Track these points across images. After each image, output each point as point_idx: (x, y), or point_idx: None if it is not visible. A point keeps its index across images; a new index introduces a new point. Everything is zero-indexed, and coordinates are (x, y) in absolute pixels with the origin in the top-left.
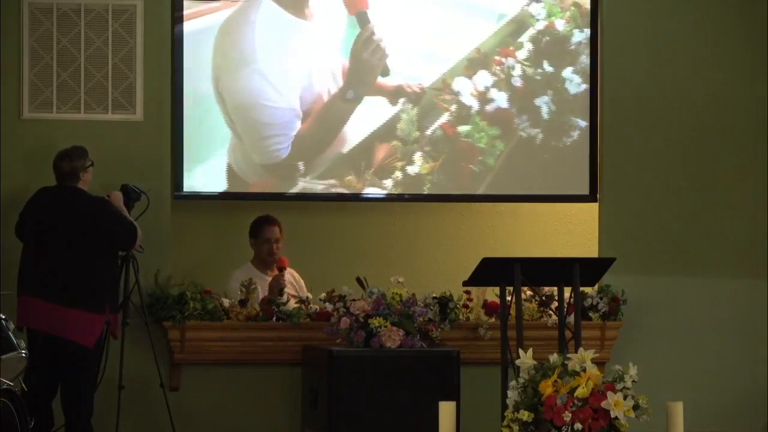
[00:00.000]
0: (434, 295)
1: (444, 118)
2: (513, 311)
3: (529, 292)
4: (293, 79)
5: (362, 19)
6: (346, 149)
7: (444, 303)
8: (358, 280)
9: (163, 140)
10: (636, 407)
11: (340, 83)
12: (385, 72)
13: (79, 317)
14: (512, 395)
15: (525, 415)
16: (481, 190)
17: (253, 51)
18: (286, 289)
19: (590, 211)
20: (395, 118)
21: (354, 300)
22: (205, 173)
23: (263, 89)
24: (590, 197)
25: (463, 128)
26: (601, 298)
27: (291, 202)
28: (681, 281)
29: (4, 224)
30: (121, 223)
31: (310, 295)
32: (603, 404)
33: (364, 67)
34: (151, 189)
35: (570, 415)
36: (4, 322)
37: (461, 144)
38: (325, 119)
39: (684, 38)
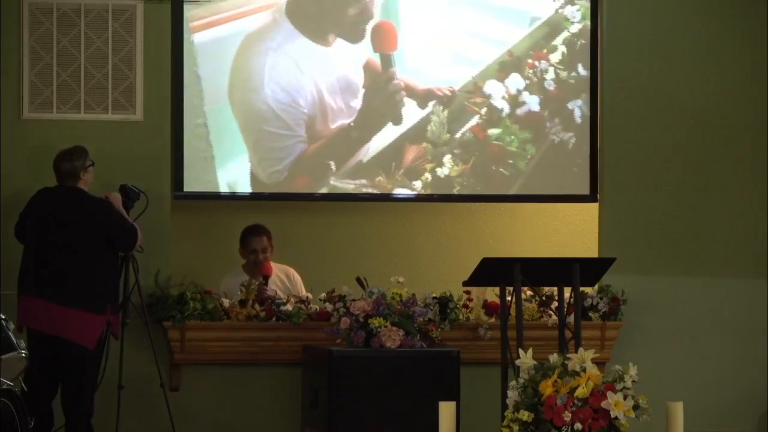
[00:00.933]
0: (434, 295)
1: (474, 120)
2: (513, 311)
3: (529, 292)
4: (303, 101)
5: (386, 62)
6: (376, 150)
7: (444, 303)
8: (358, 280)
9: (163, 140)
10: (636, 407)
11: (353, 117)
12: (397, 121)
13: (80, 317)
14: (512, 395)
15: (525, 415)
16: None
17: (269, 69)
18: (272, 292)
19: (590, 211)
20: (425, 120)
21: (354, 300)
22: (231, 174)
23: (276, 105)
24: (590, 197)
25: (494, 131)
26: (601, 298)
27: (293, 203)
28: (681, 281)
29: (5, 224)
30: (122, 224)
31: (310, 295)
32: (603, 404)
33: (376, 111)
34: (150, 189)
35: (570, 415)
36: (4, 322)
37: (492, 147)
38: (335, 145)
39: (684, 38)
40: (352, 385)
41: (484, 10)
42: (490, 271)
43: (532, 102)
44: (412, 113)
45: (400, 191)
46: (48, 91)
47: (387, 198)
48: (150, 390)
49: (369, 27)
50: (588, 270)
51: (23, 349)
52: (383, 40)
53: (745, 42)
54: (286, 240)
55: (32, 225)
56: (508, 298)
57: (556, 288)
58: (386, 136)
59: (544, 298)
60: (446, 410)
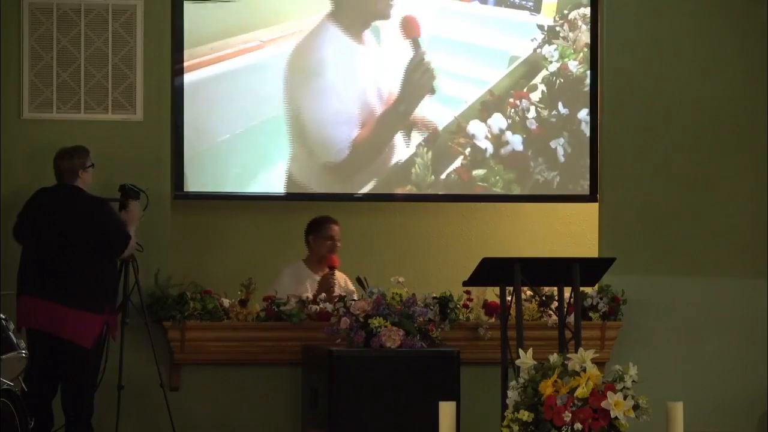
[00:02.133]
0: (434, 295)
1: (458, 162)
2: (513, 311)
3: (529, 292)
4: (353, 93)
5: (415, 44)
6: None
7: (444, 303)
8: (358, 279)
9: (163, 140)
10: (636, 407)
11: (395, 97)
12: (432, 91)
13: (78, 317)
14: (512, 395)
15: (525, 415)
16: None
17: (322, 67)
18: (336, 289)
19: (590, 211)
20: (410, 162)
21: (354, 300)
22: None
23: (329, 100)
24: (590, 197)
25: (478, 172)
26: (601, 298)
27: (294, 203)
28: (681, 281)
29: (5, 224)
30: (116, 229)
31: (310, 295)
32: (603, 404)
33: (415, 86)
34: (150, 189)
35: (570, 415)
36: (4, 322)
37: (477, 189)
38: (378, 130)
39: (684, 39)
40: (352, 385)
41: (463, 50)
42: (490, 271)
43: (515, 142)
44: (399, 152)
45: (400, 191)
46: (48, 91)
47: (387, 198)
48: (150, 390)
49: None
50: (588, 270)
51: (23, 349)
52: None
53: (745, 42)
54: (286, 240)
55: (31, 225)
56: (508, 298)
57: (556, 288)
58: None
59: (544, 298)
60: (446, 410)
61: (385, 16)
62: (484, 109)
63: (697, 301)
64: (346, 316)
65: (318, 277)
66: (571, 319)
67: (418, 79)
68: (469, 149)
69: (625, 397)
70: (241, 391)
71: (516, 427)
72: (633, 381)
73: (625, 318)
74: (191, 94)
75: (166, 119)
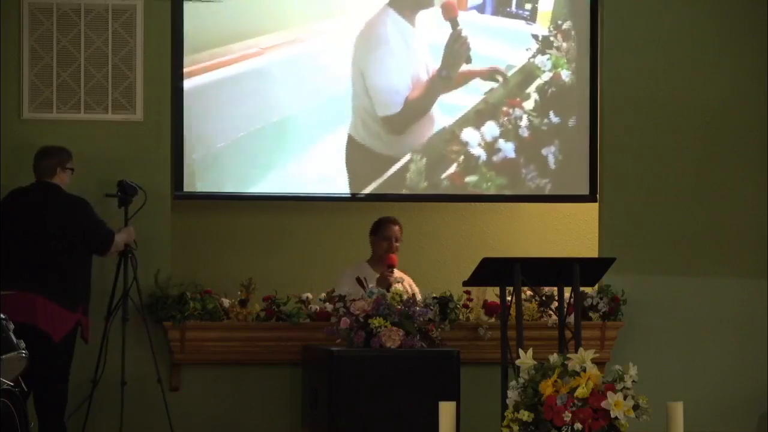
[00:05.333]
0: (434, 295)
1: (452, 168)
2: (513, 311)
3: (529, 292)
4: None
5: (453, 23)
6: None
7: (444, 303)
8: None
9: (163, 140)
10: (636, 407)
11: (438, 65)
12: (468, 60)
13: (50, 308)
14: (512, 395)
15: (525, 415)
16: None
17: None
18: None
19: (590, 211)
20: (404, 168)
21: (354, 300)
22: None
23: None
24: (590, 197)
25: (471, 178)
26: (601, 298)
27: (293, 203)
28: (681, 281)
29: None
30: (97, 225)
31: (310, 295)
32: (603, 404)
33: (454, 55)
34: (150, 189)
35: (570, 415)
36: (3, 322)
37: (469, 193)
38: (424, 95)
39: (684, 39)
40: (352, 385)
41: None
42: (490, 271)
43: (508, 149)
44: (388, 164)
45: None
46: (48, 91)
47: (387, 198)
48: (150, 390)
49: None
50: (588, 270)
51: (23, 349)
52: None
53: (745, 42)
54: (286, 240)
55: (6, 219)
56: (508, 298)
57: (556, 288)
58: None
59: (544, 298)
60: (446, 410)
61: (429, 4)
62: (478, 117)
63: (697, 301)
64: (346, 316)
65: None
66: (571, 319)
67: (457, 49)
68: (462, 157)
69: (625, 397)
70: (241, 391)
71: (516, 427)
72: (633, 381)
73: (625, 318)
74: (210, 95)
75: (166, 119)
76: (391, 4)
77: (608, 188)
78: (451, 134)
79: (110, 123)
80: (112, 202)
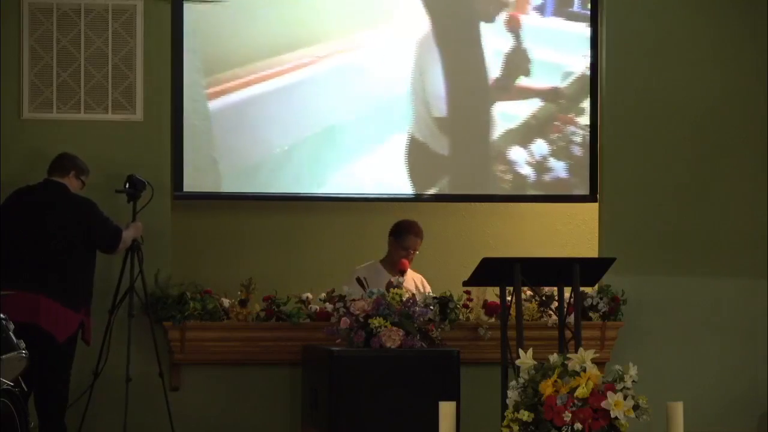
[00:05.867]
0: (434, 295)
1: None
2: (513, 311)
3: (529, 292)
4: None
5: (516, 35)
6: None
7: (444, 303)
8: (358, 279)
9: (163, 140)
10: (636, 407)
11: (498, 75)
12: (526, 73)
13: (53, 308)
14: (512, 395)
15: (525, 415)
16: None
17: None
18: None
19: (590, 211)
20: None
21: (354, 300)
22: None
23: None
24: (590, 197)
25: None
26: (601, 298)
27: (293, 203)
28: (681, 281)
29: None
30: (105, 224)
31: (310, 295)
32: (603, 404)
33: (513, 67)
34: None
35: (570, 415)
36: (3, 322)
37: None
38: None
39: (684, 39)
40: (352, 385)
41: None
42: (490, 271)
43: (559, 168)
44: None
45: (400, 191)
46: (48, 91)
47: (387, 198)
48: (150, 385)
49: None
50: (588, 270)
51: (23, 349)
52: None
53: (745, 42)
54: (287, 240)
55: (11, 218)
56: (508, 298)
57: (556, 288)
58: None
59: (544, 298)
60: (446, 410)
61: (489, 18)
62: (528, 132)
63: (697, 301)
64: (346, 316)
65: (391, 277)
66: (571, 319)
67: (517, 62)
68: (510, 176)
69: (625, 397)
70: (241, 391)
71: (516, 427)
72: (633, 381)
73: (625, 318)
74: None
75: (166, 119)
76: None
77: (608, 188)
78: (497, 152)
79: (110, 123)
80: (117, 200)
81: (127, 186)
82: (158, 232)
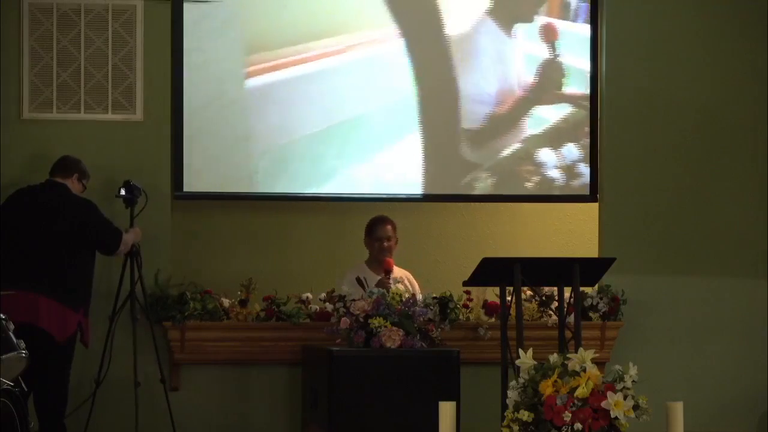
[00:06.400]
0: (434, 295)
1: (522, 190)
2: (513, 311)
3: (529, 292)
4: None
5: (551, 47)
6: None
7: (444, 303)
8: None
9: (163, 140)
10: (636, 407)
11: (530, 80)
12: (559, 86)
13: (56, 309)
14: (512, 395)
15: (525, 415)
16: None
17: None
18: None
19: (590, 211)
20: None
21: (354, 300)
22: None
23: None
24: (590, 197)
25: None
26: (601, 298)
27: (293, 203)
28: (681, 281)
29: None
30: (104, 226)
31: (310, 295)
32: (603, 404)
33: (547, 80)
34: (150, 189)
35: (570, 415)
36: (3, 322)
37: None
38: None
39: (684, 39)
40: (352, 385)
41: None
42: (490, 271)
43: (587, 173)
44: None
45: (400, 191)
46: (48, 91)
47: (387, 198)
48: (150, 390)
49: None
50: (588, 270)
51: (23, 349)
52: None
53: (745, 42)
54: (287, 240)
55: (12, 217)
56: (508, 298)
57: (556, 288)
58: None
59: (544, 298)
60: (446, 410)
61: (529, 18)
62: (557, 136)
63: (697, 301)
64: (346, 316)
65: (377, 277)
66: (571, 319)
67: (550, 75)
68: (537, 178)
69: (625, 397)
70: (241, 391)
71: (516, 427)
72: (633, 381)
73: (625, 318)
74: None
75: (166, 119)
76: (490, 14)
77: (608, 188)
78: (525, 153)
79: (110, 123)
80: (112, 203)
81: (123, 191)
82: (158, 232)
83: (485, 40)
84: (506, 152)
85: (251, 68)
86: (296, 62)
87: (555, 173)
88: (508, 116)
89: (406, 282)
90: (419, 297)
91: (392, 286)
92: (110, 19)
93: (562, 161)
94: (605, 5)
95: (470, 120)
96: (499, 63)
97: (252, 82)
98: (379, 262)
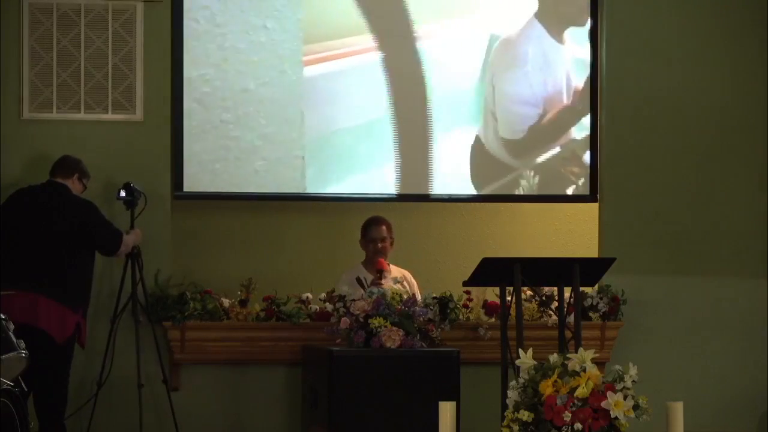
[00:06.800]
0: (434, 295)
1: (567, 191)
2: (513, 311)
3: (529, 292)
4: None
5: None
6: None
7: (444, 303)
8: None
9: (163, 140)
10: (636, 407)
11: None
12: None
13: (55, 309)
14: (512, 395)
15: (525, 415)
16: None
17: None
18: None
19: (590, 211)
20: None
21: (354, 300)
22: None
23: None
24: (590, 197)
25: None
26: (601, 298)
27: (293, 203)
28: (681, 281)
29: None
30: (106, 226)
31: (310, 295)
32: (603, 404)
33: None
34: (150, 189)
35: (570, 415)
36: (3, 322)
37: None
38: (554, 121)
39: (684, 39)
40: (352, 385)
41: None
42: (490, 271)
43: None
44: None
45: (400, 191)
46: (48, 91)
47: (387, 198)
48: (151, 389)
49: None
50: (588, 270)
51: (23, 349)
52: None
53: (746, 42)
54: (287, 240)
55: (12, 218)
56: (508, 298)
57: (556, 288)
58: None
59: (544, 298)
60: (446, 410)
61: (582, 22)
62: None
63: (697, 301)
64: (346, 316)
65: (372, 277)
66: (571, 319)
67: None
68: (582, 179)
69: (625, 397)
70: (241, 391)
71: (516, 427)
72: (633, 381)
73: (625, 318)
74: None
75: (166, 119)
76: (538, 17)
77: (608, 188)
78: (571, 153)
79: (110, 123)
80: (112, 204)
81: (123, 194)
82: (158, 232)
83: (531, 47)
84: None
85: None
86: (310, 62)
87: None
88: (550, 129)
89: (405, 282)
90: (418, 297)
91: (388, 285)
92: (110, 19)
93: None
94: (605, 5)
95: (514, 135)
96: (546, 69)
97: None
98: (373, 263)
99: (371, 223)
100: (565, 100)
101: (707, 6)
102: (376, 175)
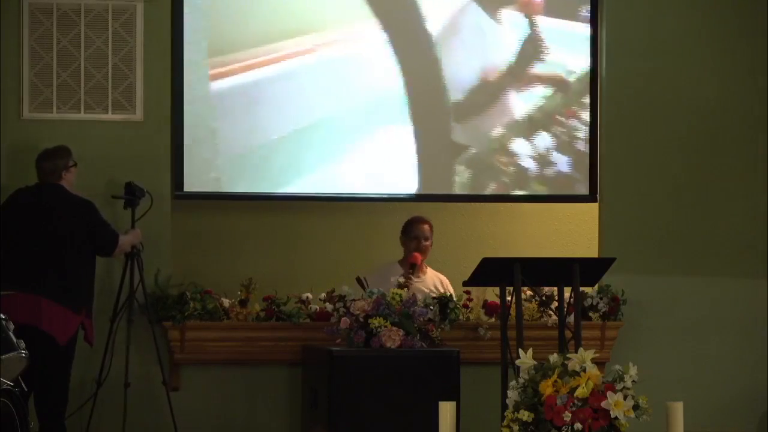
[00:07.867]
0: (434, 295)
1: (499, 180)
2: (513, 311)
3: (529, 292)
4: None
5: (532, 22)
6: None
7: (444, 303)
8: (358, 280)
9: (163, 140)
10: (636, 407)
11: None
12: (541, 60)
13: (56, 311)
14: (512, 395)
15: (525, 415)
16: None
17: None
18: (425, 289)
19: (590, 211)
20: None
21: (354, 300)
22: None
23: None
24: (590, 197)
25: (519, 193)
26: (601, 298)
27: (293, 202)
28: (681, 281)
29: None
30: (103, 226)
31: (310, 295)
32: (603, 404)
33: (527, 55)
34: (150, 189)
35: (570, 415)
36: (3, 322)
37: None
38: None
39: (684, 38)
40: (352, 385)
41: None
42: (490, 271)
43: (561, 162)
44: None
45: (400, 191)
46: (48, 91)
47: (387, 198)
48: (152, 391)
49: None
50: (588, 270)
51: (23, 349)
52: None
53: (745, 41)
54: (287, 240)
55: (12, 219)
56: (508, 298)
57: (556, 288)
58: None
59: (544, 298)
60: (446, 410)
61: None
62: (531, 126)
63: (697, 301)
64: (346, 316)
65: (412, 276)
66: (571, 319)
67: (531, 51)
68: (512, 168)
69: (625, 397)
70: (241, 391)
71: (516, 427)
72: (633, 381)
73: (625, 318)
74: (244, 96)
75: (166, 119)
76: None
77: (608, 188)
78: (499, 144)
79: (110, 123)
80: (114, 204)
81: (124, 193)
82: (158, 232)
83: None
84: (481, 143)
85: (252, 63)
86: (299, 56)
87: (529, 163)
88: (483, 105)
89: (438, 284)
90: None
91: (419, 286)
92: (110, 19)
93: (535, 150)
94: (606, 4)
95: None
96: (481, 44)
97: (252, 82)
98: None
99: (415, 221)
100: (565, 100)
101: (708, 6)
102: (376, 175)
